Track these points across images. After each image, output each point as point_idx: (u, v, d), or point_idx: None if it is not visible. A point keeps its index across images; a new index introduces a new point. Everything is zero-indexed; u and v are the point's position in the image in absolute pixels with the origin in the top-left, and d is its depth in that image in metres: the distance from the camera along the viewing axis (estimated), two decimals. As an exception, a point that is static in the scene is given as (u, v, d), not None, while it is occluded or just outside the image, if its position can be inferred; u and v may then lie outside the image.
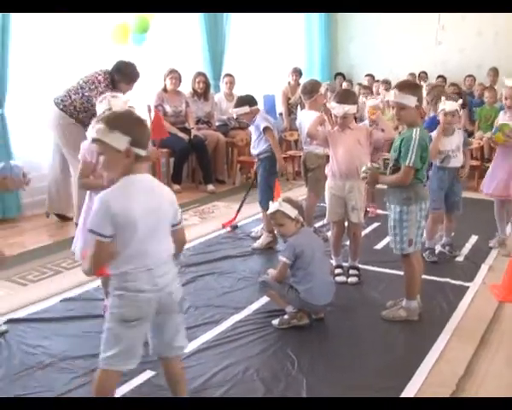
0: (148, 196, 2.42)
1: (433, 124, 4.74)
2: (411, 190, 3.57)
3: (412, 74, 9.57)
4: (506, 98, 4.89)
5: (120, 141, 2.35)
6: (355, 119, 4.66)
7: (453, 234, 5.01)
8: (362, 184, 4.23)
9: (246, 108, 4.99)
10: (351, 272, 4.44)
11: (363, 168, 3.71)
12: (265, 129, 4.96)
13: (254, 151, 5.13)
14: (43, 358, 3.27)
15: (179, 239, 2.60)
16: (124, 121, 2.43)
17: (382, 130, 4.56)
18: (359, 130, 4.42)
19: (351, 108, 4.18)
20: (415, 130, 3.52)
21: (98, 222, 2.33)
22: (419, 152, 3.48)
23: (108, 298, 2.56)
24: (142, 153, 2.41)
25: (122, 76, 5.44)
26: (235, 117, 5.22)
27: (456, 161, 4.72)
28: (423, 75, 9.78)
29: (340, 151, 4.27)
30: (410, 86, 3.67)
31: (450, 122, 4.61)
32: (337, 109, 4.18)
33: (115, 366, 2.44)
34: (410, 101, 3.50)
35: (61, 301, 4.02)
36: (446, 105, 4.59)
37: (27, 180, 3.57)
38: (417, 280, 3.76)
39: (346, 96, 4.29)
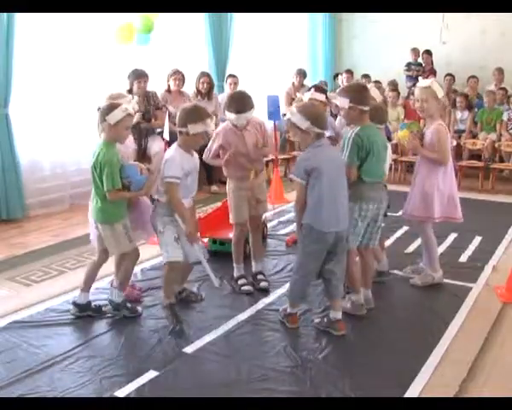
0: None
1: None
2: (352, 188, 3.61)
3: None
4: (417, 100, 4.15)
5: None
6: None
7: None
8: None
9: None
10: (259, 277, 4.32)
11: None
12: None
13: None
14: (46, 358, 3.28)
15: None
16: None
17: None
18: None
19: None
20: (353, 129, 3.63)
21: None
22: (354, 149, 3.56)
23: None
24: None
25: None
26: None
27: None
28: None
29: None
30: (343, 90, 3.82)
31: None
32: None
33: None
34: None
35: (64, 301, 4.03)
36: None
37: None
38: (355, 275, 3.79)
39: None
